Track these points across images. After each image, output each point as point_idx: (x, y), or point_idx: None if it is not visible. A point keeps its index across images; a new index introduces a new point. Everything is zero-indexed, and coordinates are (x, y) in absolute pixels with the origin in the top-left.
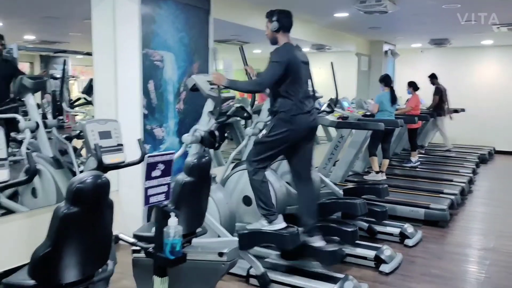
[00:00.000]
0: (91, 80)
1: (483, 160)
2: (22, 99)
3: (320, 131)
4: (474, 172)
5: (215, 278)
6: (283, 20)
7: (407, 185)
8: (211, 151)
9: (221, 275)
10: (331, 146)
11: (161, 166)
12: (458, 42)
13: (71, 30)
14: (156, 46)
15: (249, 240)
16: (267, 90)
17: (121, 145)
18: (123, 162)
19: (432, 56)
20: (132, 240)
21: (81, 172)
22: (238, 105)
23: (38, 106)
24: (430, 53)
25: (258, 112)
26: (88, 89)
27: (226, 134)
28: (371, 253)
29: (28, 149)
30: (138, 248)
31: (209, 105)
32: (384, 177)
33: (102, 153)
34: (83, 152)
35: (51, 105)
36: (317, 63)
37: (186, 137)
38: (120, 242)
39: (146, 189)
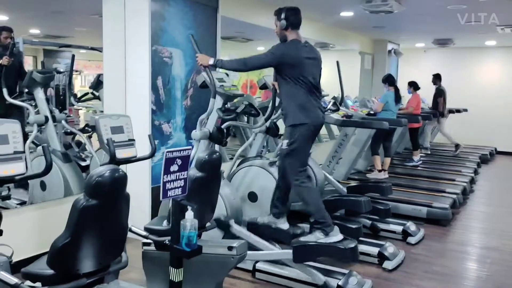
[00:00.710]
0: (98, 76)
1: (484, 160)
2: (31, 93)
3: (322, 129)
4: (476, 172)
5: (224, 271)
6: (291, 18)
7: (410, 184)
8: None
9: (230, 269)
10: (335, 144)
11: (179, 161)
12: (461, 43)
13: (76, 24)
14: (165, 43)
15: (305, 253)
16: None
17: (133, 140)
18: (135, 156)
19: (436, 56)
20: (144, 233)
21: (87, 165)
22: (246, 102)
23: (47, 100)
24: (433, 53)
25: (265, 109)
26: (96, 84)
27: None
28: (374, 250)
29: (33, 143)
30: (148, 241)
31: (218, 102)
32: (387, 176)
33: (114, 147)
34: (87, 146)
35: (53, 99)
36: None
37: (195, 133)
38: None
39: (164, 183)
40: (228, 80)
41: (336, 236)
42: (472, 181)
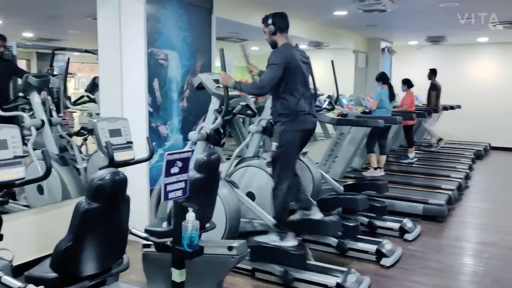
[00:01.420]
0: (94, 78)
1: (479, 156)
2: (27, 97)
3: (318, 128)
4: (471, 168)
5: (224, 271)
6: (278, 22)
7: (405, 181)
8: None
9: (230, 268)
10: (331, 143)
11: (179, 164)
12: (454, 40)
13: (70, 28)
14: (160, 45)
15: (258, 254)
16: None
17: (131, 142)
18: (133, 159)
19: (429, 53)
20: (144, 235)
21: (84, 168)
22: (243, 103)
23: (43, 103)
24: (426, 50)
25: (261, 109)
26: (92, 87)
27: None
28: (372, 247)
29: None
30: (148, 243)
31: (214, 104)
32: (383, 173)
33: (113, 150)
34: (83, 149)
35: (47, 102)
36: (314, 61)
37: (193, 135)
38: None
39: (166, 185)
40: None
41: (290, 241)
42: (467, 177)
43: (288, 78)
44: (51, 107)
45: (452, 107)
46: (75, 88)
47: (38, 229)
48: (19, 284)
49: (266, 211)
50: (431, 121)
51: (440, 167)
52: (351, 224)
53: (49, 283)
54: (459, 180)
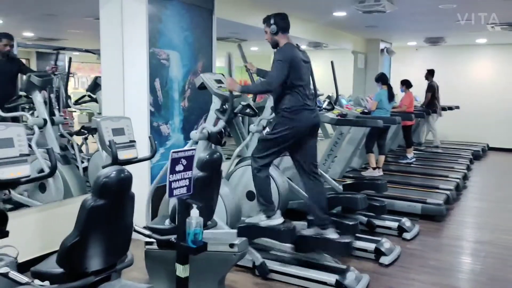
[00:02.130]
0: (95, 78)
1: (477, 156)
2: (30, 96)
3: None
4: (468, 168)
5: (225, 268)
6: (280, 22)
7: (404, 181)
8: None
9: (232, 265)
10: (331, 143)
11: (184, 161)
12: (452, 41)
13: (70, 27)
14: (162, 45)
15: (247, 233)
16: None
17: (134, 141)
18: (136, 157)
19: (427, 54)
20: (147, 232)
21: (85, 167)
22: (244, 102)
23: (45, 103)
24: (425, 51)
25: (261, 109)
26: (93, 87)
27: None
28: (371, 246)
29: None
30: (150, 240)
31: (216, 103)
32: (381, 173)
33: (116, 149)
34: (83, 148)
35: (52, 101)
36: (314, 61)
37: (194, 134)
38: None
39: (170, 182)
40: (225, 81)
41: (277, 219)
42: (465, 177)
43: (291, 75)
44: (55, 105)
45: (450, 108)
46: (75, 87)
47: (41, 227)
48: (26, 279)
49: None
50: (432, 123)
51: (438, 167)
52: (350, 223)
53: (56, 278)
54: (457, 180)
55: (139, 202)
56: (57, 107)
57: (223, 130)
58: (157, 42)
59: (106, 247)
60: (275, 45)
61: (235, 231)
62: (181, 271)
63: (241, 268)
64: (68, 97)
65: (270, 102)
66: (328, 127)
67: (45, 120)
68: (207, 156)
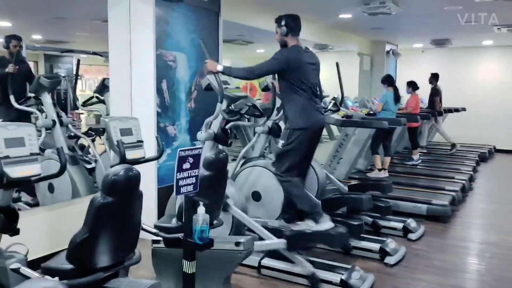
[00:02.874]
0: (103, 80)
1: (483, 158)
2: (39, 98)
3: (323, 130)
4: (475, 170)
5: (232, 266)
6: (291, 24)
7: (410, 182)
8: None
9: (238, 264)
10: (336, 144)
11: (191, 160)
12: (459, 43)
13: (78, 30)
14: (169, 47)
15: (298, 241)
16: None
17: (141, 141)
18: (143, 157)
19: (433, 56)
20: (155, 230)
21: (93, 168)
22: (250, 103)
23: (54, 104)
24: (431, 53)
25: (267, 110)
26: (101, 88)
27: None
28: (376, 246)
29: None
30: (157, 238)
31: (222, 104)
32: (387, 175)
33: (124, 149)
34: (92, 149)
35: (69, 99)
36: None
37: (201, 134)
38: None
39: (178, 180)
40: (232, 83)
41: (326, 223)
42: (471, 179)
43: (295, 78)
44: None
45: (457, 110)
46: (82, 89)
47: (50, 226)
48: (36, 274)
49: (271, 210)
50: (438, 126)
51: (444, 169)
52: (356, 223)
53: (66, 274)
54: (463, 181)
55: (147, 201)
56: (73, 101)
57: (229, 130)
58: (164, 44)
59: (114, 244)
60: (284, 45)
61: (283, 240)
62: (188, 267)
63: (247, 267)
64: (76, 98)
65: (276, 103)
66: (334, 128)
67: (53, 121)
68: (213, 156)
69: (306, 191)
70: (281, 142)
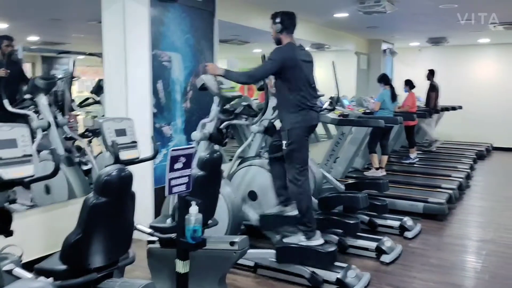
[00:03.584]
0: (99, 81)
1: (480, 156)
2: (34, 99)
3: (320, 129)
4: (472, 168)
5: (226, 266)
6: (286, 22)
7: (406, 181)
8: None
9: (233, 263)
10: (332, 143)
11: (183, 159)
12: (455, 41)
13: (74, 31)
14: (164, 47)
15: (287, 254)
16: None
17: (135, 142)
18: (138, 158)
19: (430, 55)
20: (149, 230)
21: (89, 169)
22: (245, 103)
23: (50, 105)
24: (428, 51)
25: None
26: (97, 89)
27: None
28: (372, 244)
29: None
30: (153, 239)
31: (217, 104)
32: (384, 173)
33: (118, 149)
34: (87, 152)
35: (66, 102)
36: (316, 62)
37: (196, 134)
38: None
39: (170, 180)
40: (226, 82)
41: (317, 240)
42: (468, 177)
43: (291, 76)
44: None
45: (453, 108)
46: (79, 91)
47: (45, 227)
48: (30, 275)
49: (268, 209)
50: (430, 122)
51: (442, 167)
52: (352, 222)
53: (59, 275)
54: (460, 179)
55: (143, 201)
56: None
57: (224, 130)
58: (160, 44)
59: (108, 244)
60: (278, 42)
61: (273, 251)
62: (181, 267)
63: (243, 267)
64: (72, 100)
65: (272, 102)
66: (332, 128)
67: (49, 123)
68: (207, 156)
69: (311, 204)
70: (284, 142)
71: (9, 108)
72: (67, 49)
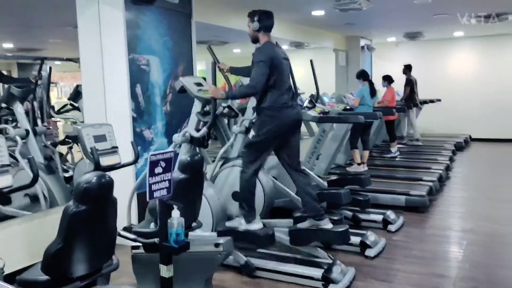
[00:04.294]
0: (77, 86)
1: (459, 147)
2: (10, 108)
3: (301, 127)
4: (451, 159)
5: (212, 268)
6: (264, 21)
7: (388, 175)
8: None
9: (218, 265)
10: (314, 140)
11: (163, 164)
12: (430, 35)
13: (50, 37)
14: (141, 51)
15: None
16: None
17: (116, 147)
18: (119, 163)
19: (407, 49)
20: (133, 236)
21: (70, 177)
22: (225, 104)
23: (27, 113)
24: (405, 46)
25: (243, 110)
26: (75, 95)
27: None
28: (356, 239)
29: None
30: (137, 244)
31: (197, 106)
32: (366, 168)
33: (98, 155)
34: (68, 157)
35: (35, 111)
36: (296, 60)
37: (177, 137)
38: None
39: (150, 185)
40: (205, 84)
41: (257, 224)
42: (448, 168)
43: (273, 74)
44: (37, 115)
45: (432, 101)
46: (58, 97)
47: (27, 237)
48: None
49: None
50: (412, 116)
51: (422, 159)
52: (335, 218)
53: (41, 286)
54: (440, 171)
55: (125, 207)
56: (40, 117)
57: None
58: (137, 48)
59: (90, 252)
60: (254, 40)
61: (215, 234)
62: (165, 271)
63: (229, 267)
64: (51, 107)
65: (251, 102)
66: (313, 125)
67: (27, 131)
68: (188, 158)
69: (254, 191)
70: (252, 133)
71: None
72: (44, 55)
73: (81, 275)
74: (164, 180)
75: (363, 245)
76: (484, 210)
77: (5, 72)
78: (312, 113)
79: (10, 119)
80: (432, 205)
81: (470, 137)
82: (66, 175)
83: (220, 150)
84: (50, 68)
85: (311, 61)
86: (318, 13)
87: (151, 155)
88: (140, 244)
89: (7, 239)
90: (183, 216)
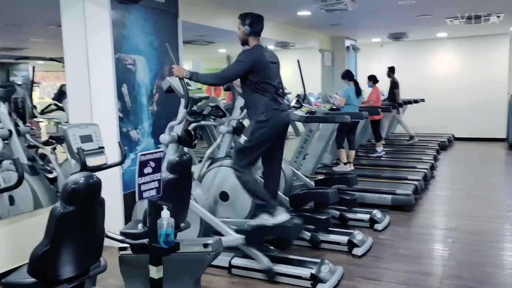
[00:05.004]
0: (61, 86)
1: (443, 147)
2: None
3: (289, 127)
4: (436, 158)
5: (201, 268)
6: (255, 26)
7: (374, 174)
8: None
9: (207, 265)
10: (301, 140)
11: (152, 164)
12: (415, 36)
13: (33, 36)
14: (127, 50)
15: (256, 236)
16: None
17: (103, 147)
18: (106, 164)
19: (392, 50)
20: (120, 237)
21: (54, 178)
22: (213, 104)
23: (10, 114)
24: (389, 46)
25: (230, 110)
26: (59, 95)
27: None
28: (344, 239)
29: None
30: (124, 245)
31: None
32: (352, 168)
33: (85, 156)
34: (52, 158)
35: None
36: (282, 60)
37: (164, 137)
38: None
39: (139, 185)
40: (193, 84)
41: (282, 215)
42: (432, 167)
43: (258, 77)
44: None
45: (416, 101)
46: (41, 97)
47: (12, 240)
48: None
49: (239, 209)
50: (399, 117)
51: (407, 159)
52: (323, 217)
53: None
54: (425, 170)
55: (112, 208)
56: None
57: (193, 132)
58: (122, 48)
59: (78, 253)
60: (244, 43)
61: (241, 236)
62: (155, 272)
63: (217, 268)
64: (33, 107)
65: (238, 102)
66: (299, 125)
67: (10, 131)
68: (177, 158)
69: (259, 185)
70: (243, 137)
71: None
72: (26, 55)
73: (69, 277)
74: (154, 180)
75: (351, 244)
76: (469, 208)
77: None
78: (299, 113)
79: None
80: (418, 203)
81: (453, 136)
82: (50, 176)
83: (207, 150)
84: (33, 68)
85: (298, 61)
86: (304, 13)
87: (141, 155)
88: (128, 245)
89: None
90: (172, 216)
